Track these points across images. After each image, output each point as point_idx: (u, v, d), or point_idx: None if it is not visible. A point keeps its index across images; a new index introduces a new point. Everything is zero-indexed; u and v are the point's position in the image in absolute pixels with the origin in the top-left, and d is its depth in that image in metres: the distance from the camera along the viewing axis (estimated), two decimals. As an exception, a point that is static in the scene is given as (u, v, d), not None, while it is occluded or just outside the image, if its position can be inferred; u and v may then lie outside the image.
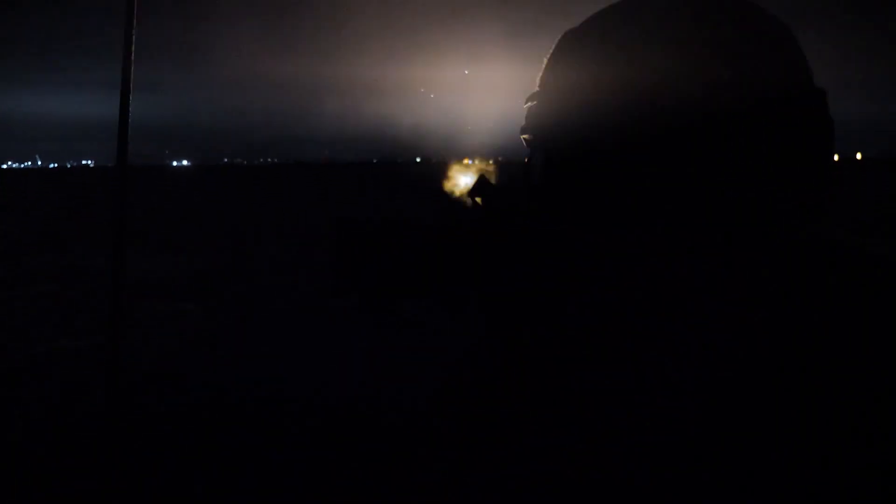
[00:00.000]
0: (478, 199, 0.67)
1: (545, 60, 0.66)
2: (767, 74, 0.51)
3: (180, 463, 3.39)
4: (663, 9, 0.54)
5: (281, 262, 9.97)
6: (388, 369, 4.72)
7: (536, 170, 0.62)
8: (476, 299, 0.58)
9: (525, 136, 0.66)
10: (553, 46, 0.65)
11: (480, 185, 0.70)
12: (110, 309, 2.77)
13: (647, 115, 0.52)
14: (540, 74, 0.66)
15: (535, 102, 0.65)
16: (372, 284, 0.69)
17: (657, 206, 0.53)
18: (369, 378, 4.64)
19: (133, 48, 2.56)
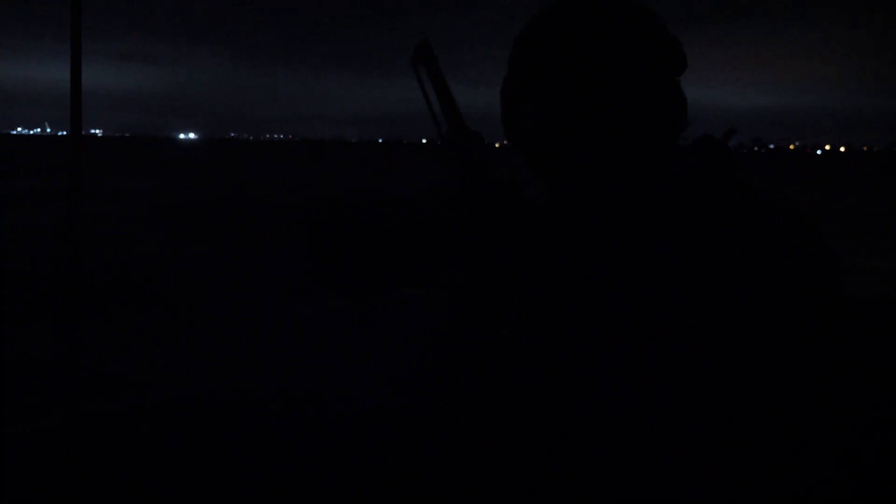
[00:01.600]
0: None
1: (517, 39, 0.71)
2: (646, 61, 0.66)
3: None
4: (579, 17, 0.65)
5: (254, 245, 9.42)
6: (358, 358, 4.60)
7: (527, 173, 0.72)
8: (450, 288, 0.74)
9: (506, 129, 0.73)
10: (525, 24, 0.70)
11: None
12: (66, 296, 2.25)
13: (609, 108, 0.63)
14: (510, 54, 0.72)
15: (509, 89, 0.71)
16: (346, 269, 0.82)
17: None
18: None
19: (80, 15, 2.26)
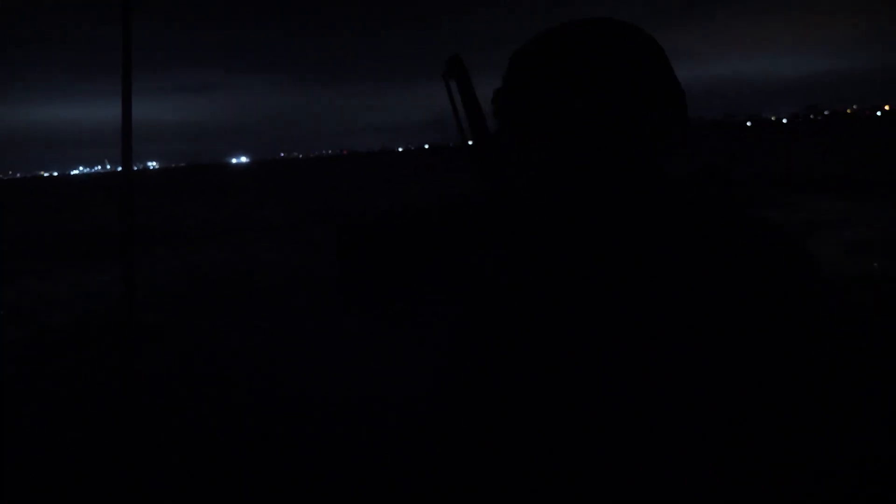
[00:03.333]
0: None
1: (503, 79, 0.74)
2: (637, 75, 0.68)
3: (176, 468, 3.26)
4: (580, 38, 0.69)
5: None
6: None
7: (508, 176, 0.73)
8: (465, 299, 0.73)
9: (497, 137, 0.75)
10: (506, 68, 0.74)
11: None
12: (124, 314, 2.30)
13: (587, 131, 0.63)
14: (494, 94, 0.76)
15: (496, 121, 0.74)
16: (374, 286, 0.82)
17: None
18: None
19: (132, 50, 2.42)
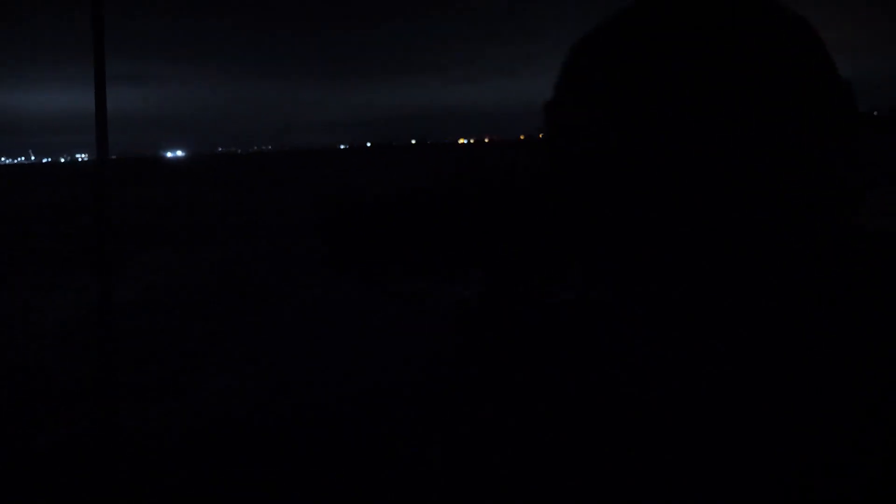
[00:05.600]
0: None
1: (561, 68, 0.57)
2: (788, 70, 0.49)
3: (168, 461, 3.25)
4: (677, 13, 0.49)
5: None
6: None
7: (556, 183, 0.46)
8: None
9: (546, 145, 0.47)
10: (567, 55, 0.57)
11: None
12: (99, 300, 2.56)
13: (672, 129, 0.49)
14: (555, 82, 0.58)
15: (551, 113, 0.56)
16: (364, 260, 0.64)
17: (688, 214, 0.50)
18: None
19: (104, 39, 2.51)
